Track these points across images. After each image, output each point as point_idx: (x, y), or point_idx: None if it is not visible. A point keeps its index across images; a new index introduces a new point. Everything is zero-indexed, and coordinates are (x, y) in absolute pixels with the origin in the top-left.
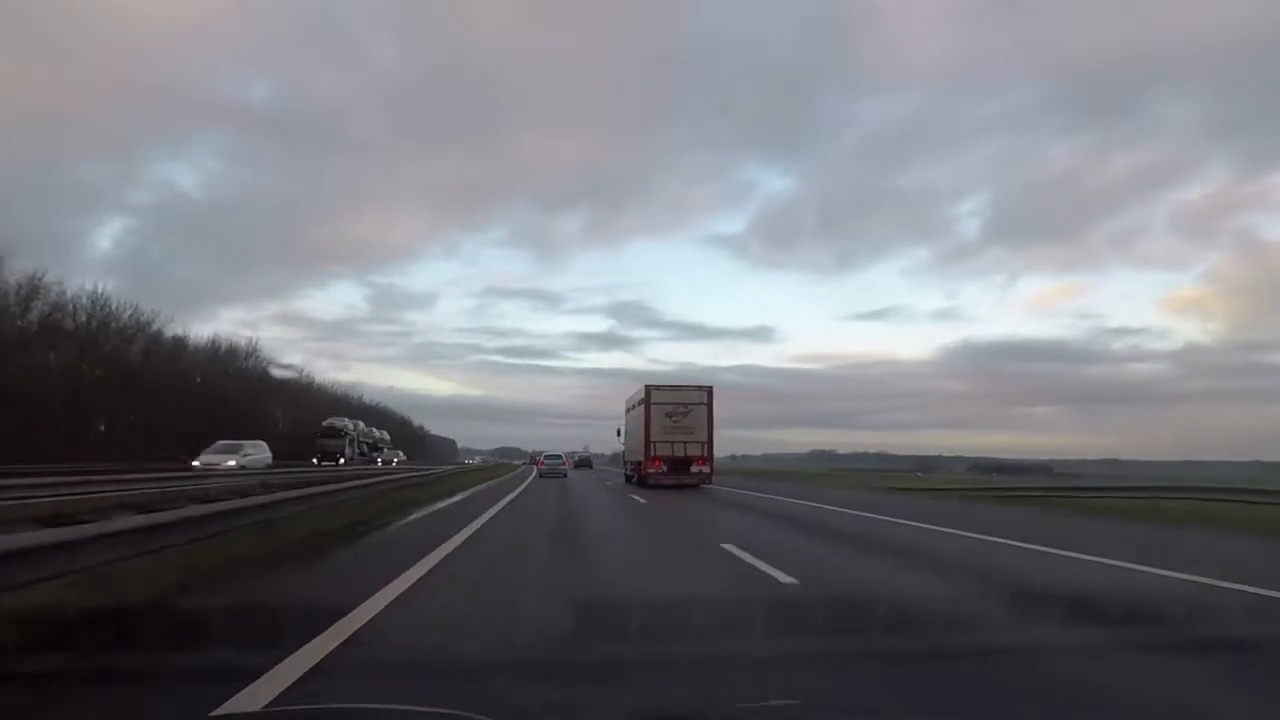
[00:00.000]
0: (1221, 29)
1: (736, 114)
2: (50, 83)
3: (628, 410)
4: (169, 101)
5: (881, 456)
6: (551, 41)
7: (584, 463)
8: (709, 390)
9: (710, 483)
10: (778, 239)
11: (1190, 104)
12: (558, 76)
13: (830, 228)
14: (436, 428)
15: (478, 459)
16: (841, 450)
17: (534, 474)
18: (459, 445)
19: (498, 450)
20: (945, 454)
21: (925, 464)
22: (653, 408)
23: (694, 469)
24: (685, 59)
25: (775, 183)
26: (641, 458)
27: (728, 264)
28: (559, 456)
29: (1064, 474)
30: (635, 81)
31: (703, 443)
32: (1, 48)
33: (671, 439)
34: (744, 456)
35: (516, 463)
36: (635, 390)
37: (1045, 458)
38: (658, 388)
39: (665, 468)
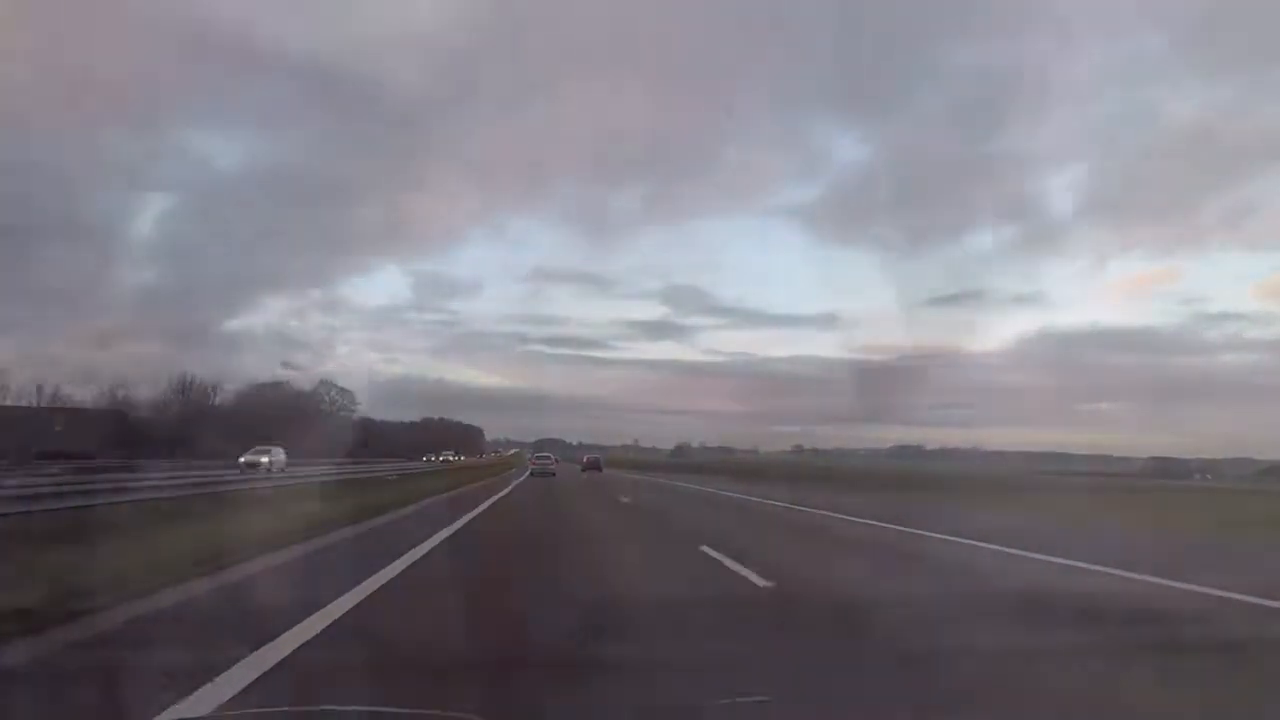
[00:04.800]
0: None
1: (811, 67)
2: (87, 49)
3: None
4: (207, 68)
5: (990, 454)
6: None
7: (593, 465)
8: None
9: None
10: (847, 215)
11: None
12: (614, 30)
13: (905, 202)
14: (475, 419)
15: (515, 451)
16: (929, 446)
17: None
18: (487, 437)
19: (536, 443)
20: (1047, 451)
21: (1163, 468)
22: None
23: None
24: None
25: (848, 151)
26: None
27: (792, 244)
28: (549, 456)
29: None
30: (698, 36)
31: None
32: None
33: None
34: (816, 451)
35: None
36: None
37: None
38: None
39: None
